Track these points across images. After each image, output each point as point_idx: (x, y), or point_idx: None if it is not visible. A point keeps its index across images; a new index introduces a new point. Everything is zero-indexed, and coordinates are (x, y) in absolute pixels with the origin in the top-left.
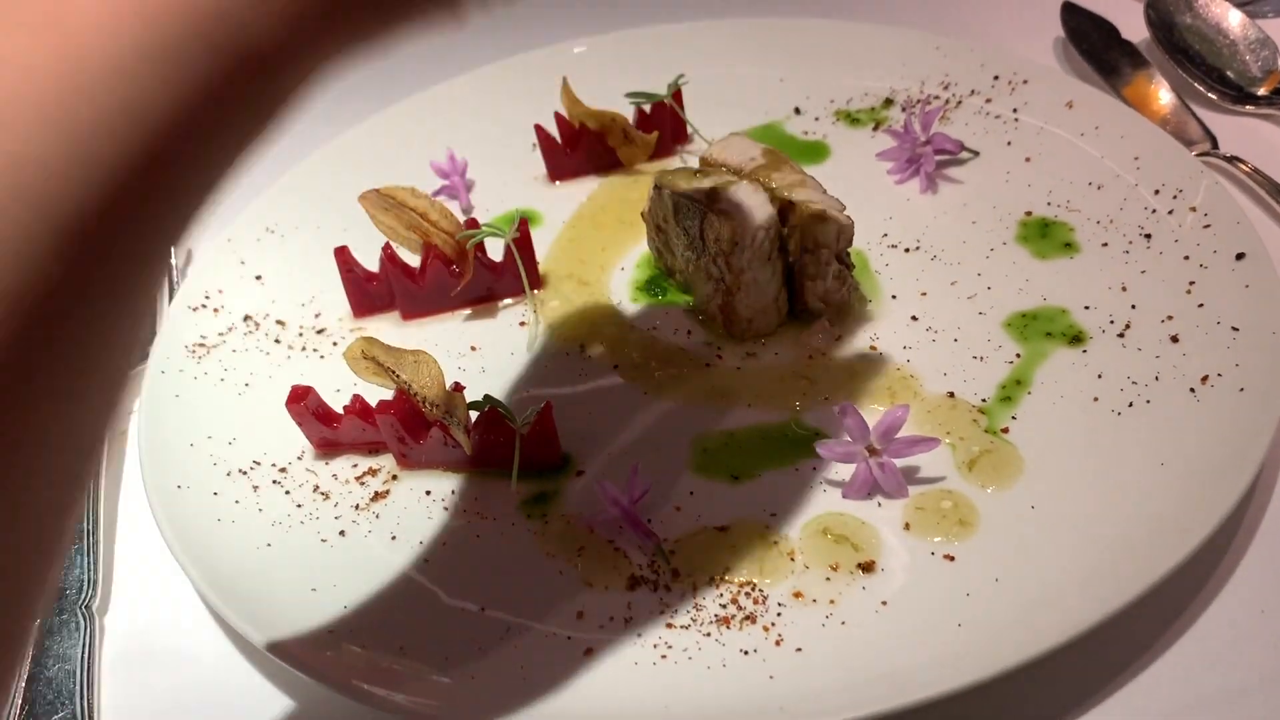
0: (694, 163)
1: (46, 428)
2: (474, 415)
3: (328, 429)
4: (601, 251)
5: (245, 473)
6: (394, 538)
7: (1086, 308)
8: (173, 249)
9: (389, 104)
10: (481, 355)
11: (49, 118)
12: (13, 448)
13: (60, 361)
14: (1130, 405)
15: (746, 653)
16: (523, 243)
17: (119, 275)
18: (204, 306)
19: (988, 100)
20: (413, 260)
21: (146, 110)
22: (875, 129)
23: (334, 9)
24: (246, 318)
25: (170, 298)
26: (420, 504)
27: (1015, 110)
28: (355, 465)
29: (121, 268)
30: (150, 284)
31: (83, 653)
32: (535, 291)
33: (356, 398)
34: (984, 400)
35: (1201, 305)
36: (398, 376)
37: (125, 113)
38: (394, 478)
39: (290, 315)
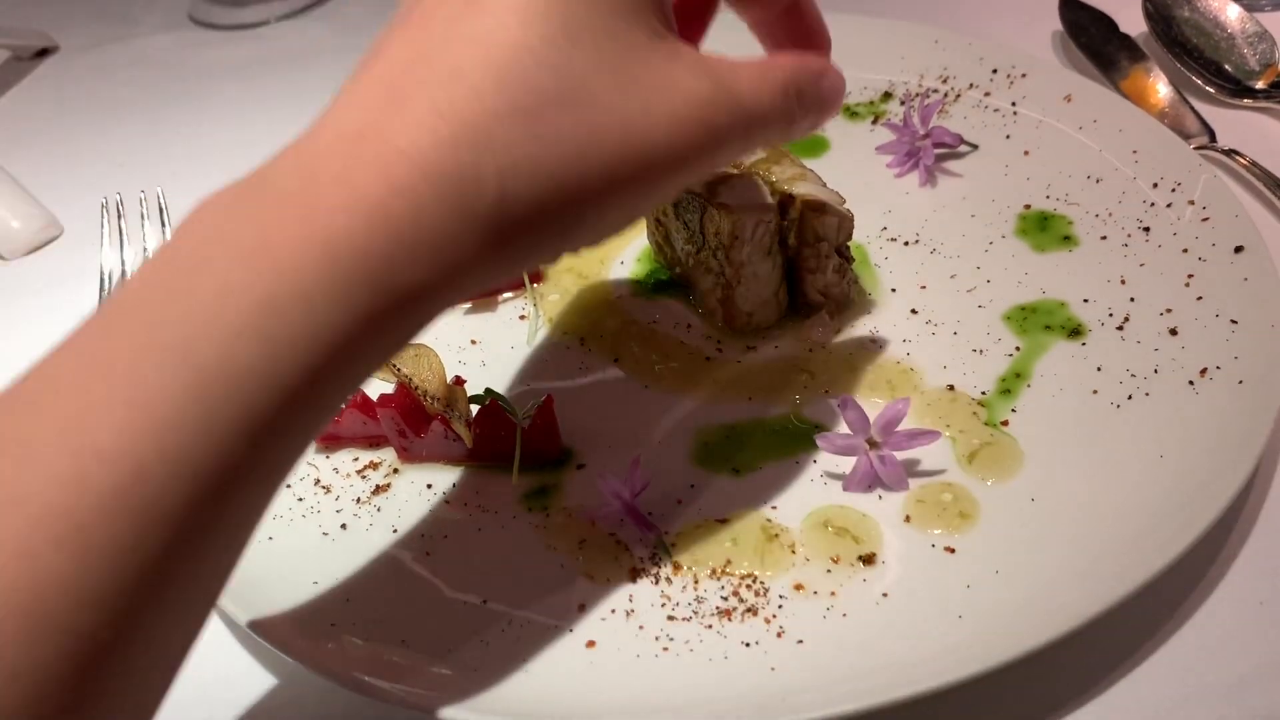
0: None
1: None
2: (475, 409)
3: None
4: (601, 245)
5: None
6: (395, 531)
7: (1085, 301)
8: None
9: None
10: (481, 349)
11: (251, 329)
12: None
13: (217, 530)
14: (1129, 398)
15: (748, 644)
16: None
17: (278, 467)
18: None
19: (986, 94)
20: None
21: (322, 334)
22: (874, 122)
23: (468, 264)
24: None
25: None
26: (421, 497)
27: (1014, 104)
28: (356, 459)
29: (280, 460)
30: (291, 471)
31: None
32: (535, 285)
33: (357, 390)
34: (984, 393)
35: (1200, 298)
36: (398, 370)
37: (307, 334)
38: (395, 471)
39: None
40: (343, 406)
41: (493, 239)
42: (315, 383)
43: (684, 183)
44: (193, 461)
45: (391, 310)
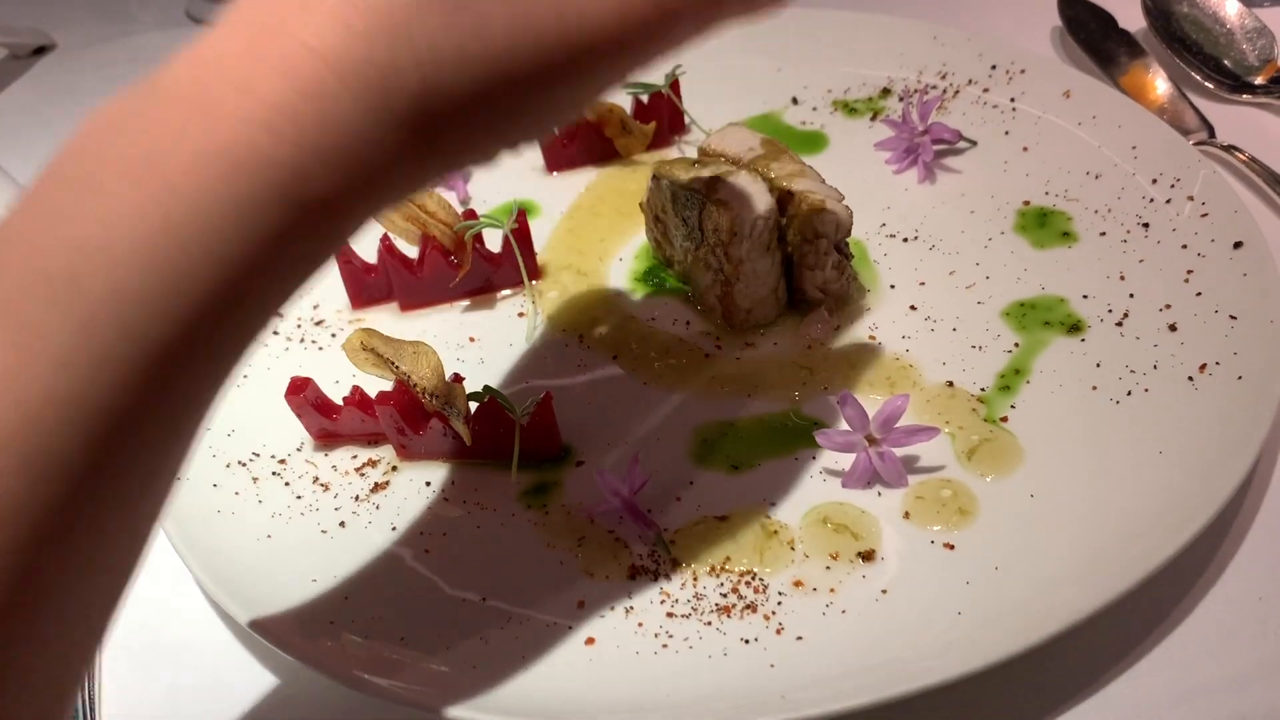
0: (691, 153)
1: (117, 526)
2: (473, 406)
3: (327, 420)
4: (599, 242)
5: (244, 464)
6: (394, 528)
7: (1085, 297)
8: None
9: None
10: (480, 346)
11: (144, 255)
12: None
13: (124, 475)
14: (1129, 394)
15: (747, 641)
16: (521, 234)
17: (187, 402)
18: None
19: (985, 90)
20: (410, 251)
21: (226, 255)
22: (873, 119)
23: (388, 169)
24: None
25: None
26: (420, 495)
27: (1013, 100)
28: (355, 456)
29: (190, 395)
30: (208, 408)
31: None
32: (534, 282)
33: (356, 389)
34: (983, 389)
35: (1200, 294)
36: (397, 368)
37: (208, 256)
38: (394, 469)
39: (288, 306)
40: (262, 331)
41: (415, 139)
42: (223, 310)
43: (632, 69)
44: (87, 404)
45: (305, 225)
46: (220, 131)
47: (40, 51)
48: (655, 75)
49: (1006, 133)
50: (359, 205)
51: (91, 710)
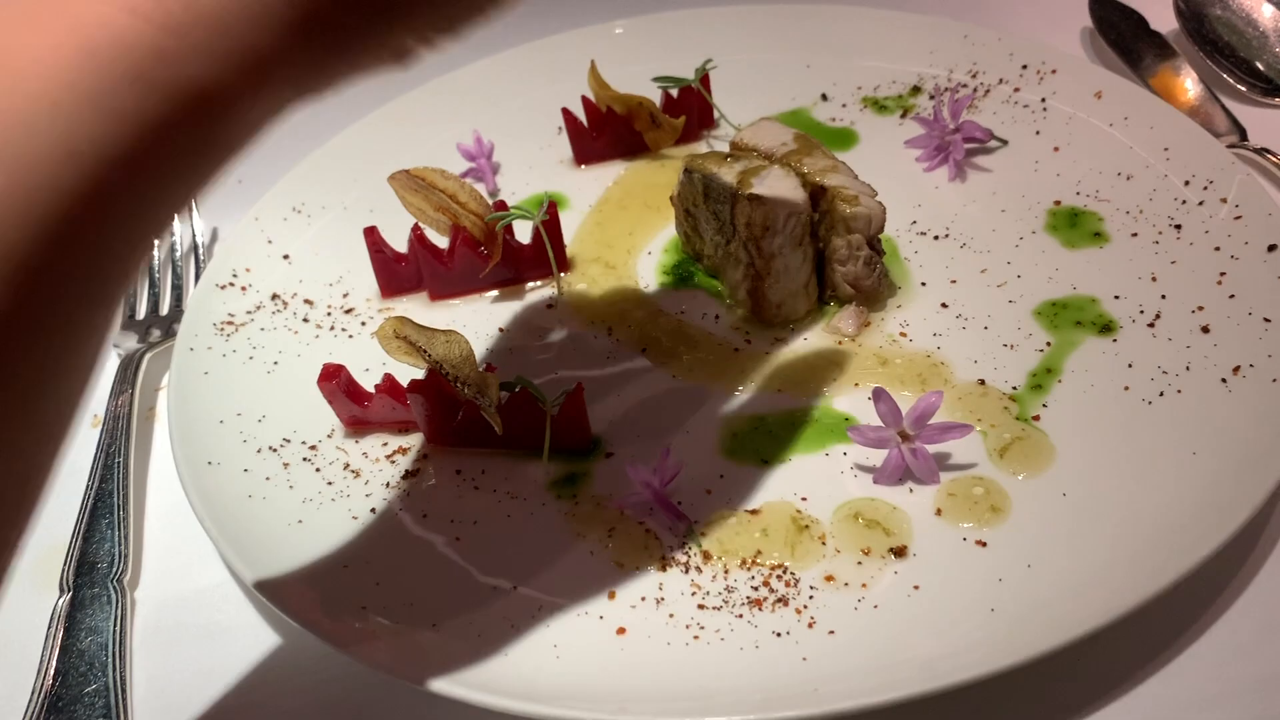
0: (720, 148)
1: None
2: (504, 395)
3: (358, 407)
4: (628, 235)
5: (275, 450)
6: (425, 515)
7: (1116, 297)
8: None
9: (416, 85)
10: (509, 337)
11: None
12: None
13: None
14: (1161, 395)
15: (779, 634)
16: (551, 225)
17: (63, 309)
18: (231, 284)
19: (1016, 89)
20: (441, 242)
21: (84, 146)
22: (903, 116)
23: (278, 57)
24: (274, 296)
25: (197, 275)
26: (450, 483)
27: (1043, 99)
28: (385, 444)
29: (65, 300)
30: (97, 316)
31: (114, 625)
32: (563, 274)
33: (387, 376)
34: (1015, 388)
35: (1233, 296)
36: (429, 356)
37: (64, 148)
38: (424, 457)
39: (318, 294)
40: (159, 232)
41: (297, 23)
42: (88, 209)
43: None
44: None
45: (178, 114)
46: (70, 11)
47: None
48: (686, 70)
49: (1037, 132)
50: (245, 96)
51: (122, 691)
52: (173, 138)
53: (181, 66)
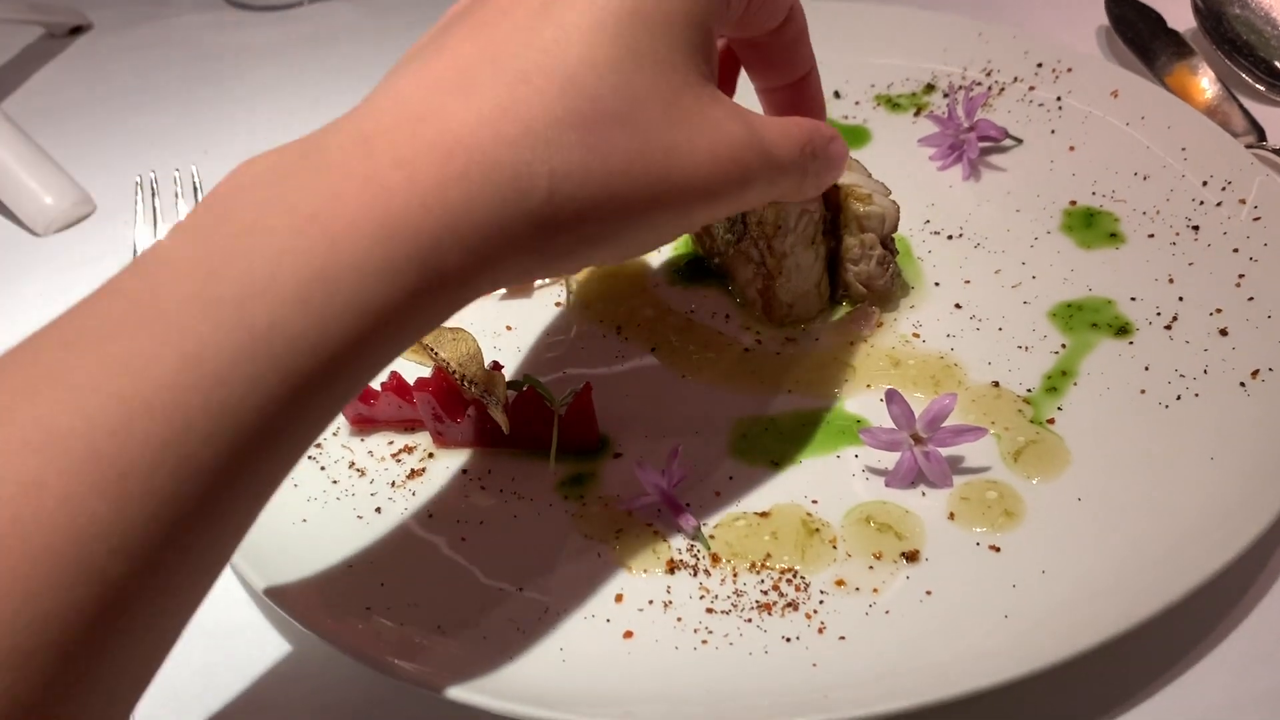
0: None
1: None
2: (511, 395)
3: (364, 405)
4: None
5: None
6: (430, 515)
7: (1133, 299)
8: None
9: None
10: (517, 335)
11: (302, 297)
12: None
13: (241, 496)
14: (1178, 398)
15: (789, 640)
16: None
17: (304, 436)
18: None
19: (1031, 88)
20: None
21: (368, 307)
22: (916, 114)
23: (506, 256)
24: None
25: None
26: (456, 482)
27: (1059, 98)
28: (391, 442)
29: (307, 430)
30: (310, 446)
31: None
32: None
33: (393, 374)
34: (1029, 390)
35: (1251, 299)
36: (436, 354)
37: (354, 306)
38: (430, 456)
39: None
40: (371, 381)
41: (535, 237)
42: (356, 353)
43: (711, 216)
44: (235, 420)
45: (433, 291)
46: (380, 198)
47: (77, 31)
48: None
49: (1053, 131)
50: (476, 281)
51: None
52: (422, 306)
53: (449, 256)
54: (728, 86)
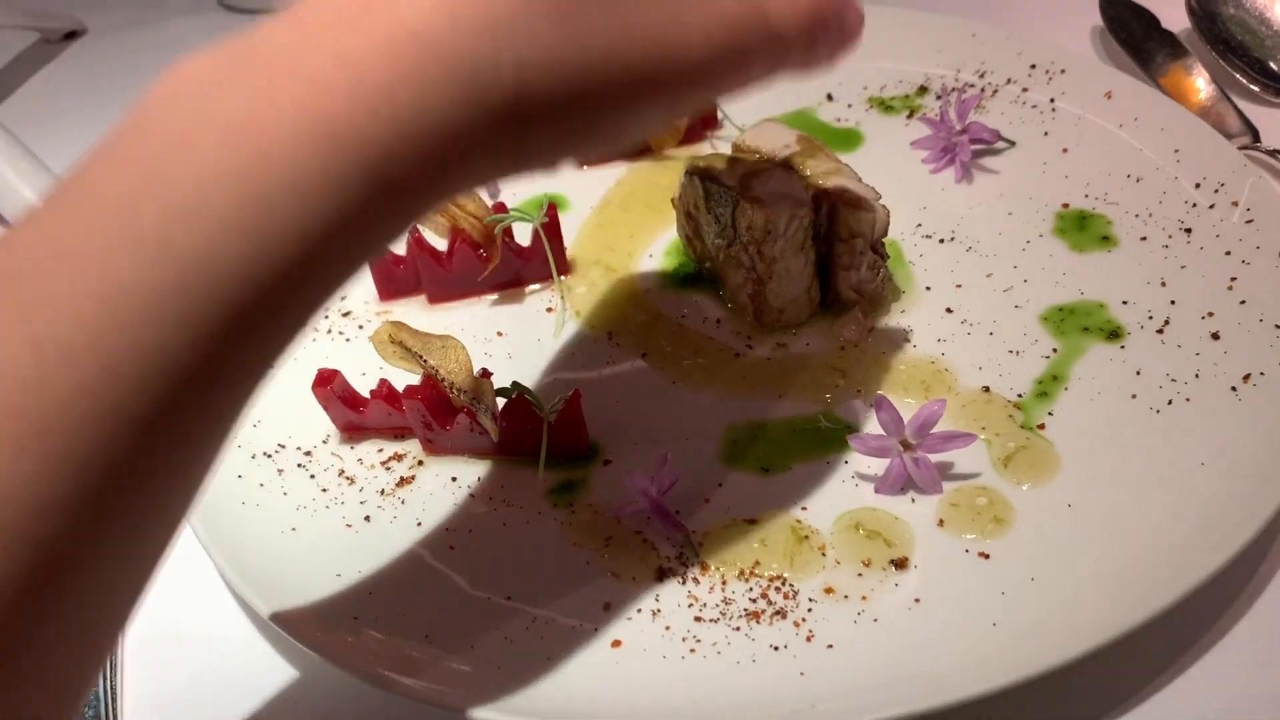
0: (724, 149)
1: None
2: (501, 402)
3: (354, 413)
4: (630, 238)
5: (270, 456)
6: (419, 524)
7: (1125, 303)
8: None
9: None
10: (508, 341)
11: (233, 223)
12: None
13: (182, 441)
14: (1170, 403)
15: (777, 648)
16: (551, 228)
17: (245, 374)
18: None
19: (1024, 89)
20: (439, 244)
21: (310, 229)
22: (909, 117)
23: (468, 159)
24: None
25: None
26: (446, 490)
27: (1052, 100)
28: (381, 450)
29: (249, 366)
30: (258, 384)
31: None
32: (563, 277)
33: (383, 382)
34: (1020, 395)
35: (1244, 302)
36: (425, 362)
37: (293, 229)
38: (420, 463)
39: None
40: (322, 307)
41: (501, 136)
42: (302, 279)
43: (704, 99)
44: (166, 361)
45: (387, 204)
46: (321, 105)
47: (71, 36)
48: None
49: (1046, 133)
50: (435, 190)
51: (113, 700)
52: (372, 223)
53: (400, 166)
54: None
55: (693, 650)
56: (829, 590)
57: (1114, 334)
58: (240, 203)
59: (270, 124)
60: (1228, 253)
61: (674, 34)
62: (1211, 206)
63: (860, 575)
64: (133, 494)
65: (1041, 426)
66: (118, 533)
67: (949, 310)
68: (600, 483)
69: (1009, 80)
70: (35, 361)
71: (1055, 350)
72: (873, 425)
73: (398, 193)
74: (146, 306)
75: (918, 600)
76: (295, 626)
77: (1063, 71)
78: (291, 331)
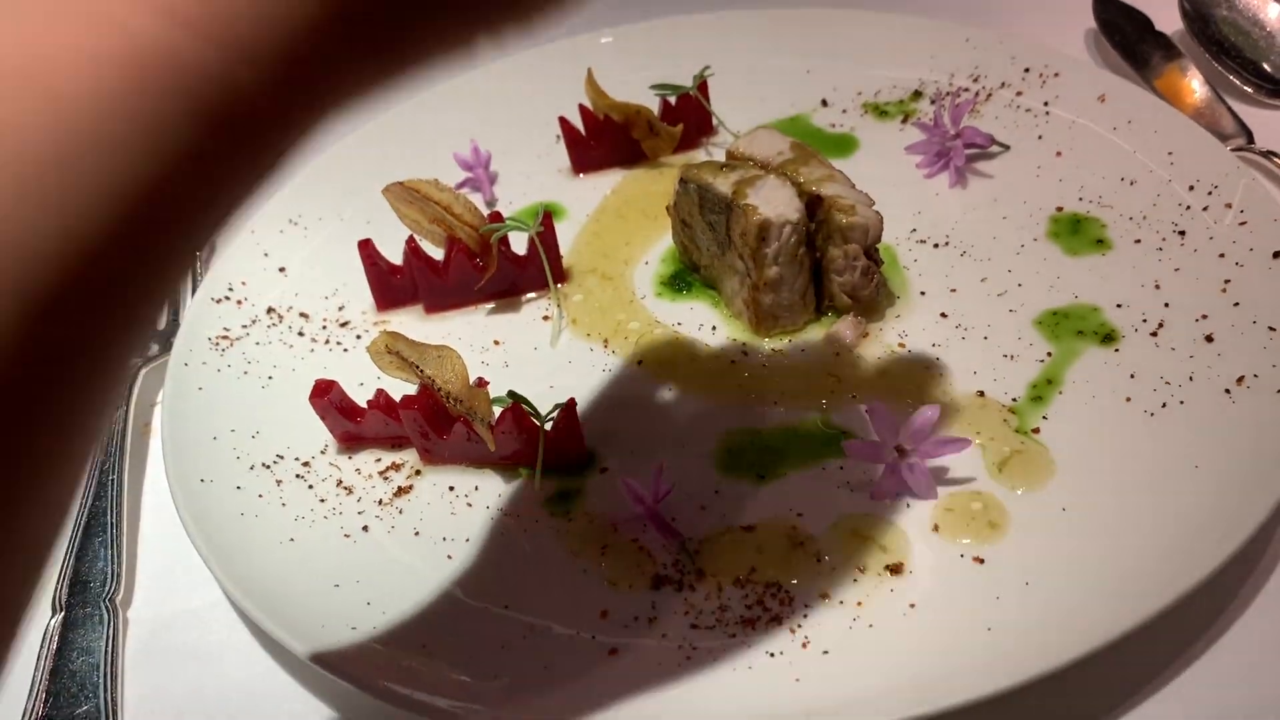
0: (720, 155)
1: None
2: (497, 411)
3: (351, 423)
4: (625, 245)
5: (269, 466)
6: (417, 534)
7: (1119, 306)
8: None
9: (412, 95)
10: (505, 349)
11: (28, 190)
12: None
13: (23, 446)
14: (1164, 406)
15: (773, 654)
16: (547, 236)
17: (98, 346)
18: (227, 298)
19: (1018, 93)
20: (436, 253)
21: (133, 179)
22: (904, 122)
23: (333, 60)
24: (270, 310)
25: (193, 290)
26: (443, 500)
27: (1046, 104)
28: (379, 460)
29: (98, 341)
30: (129, 345)
31: (106, 645)
32: (559, 285)
33: (380, 392)
34: (1014, 400)
35: (1237, 304)
36: (421, 371)
37: (110, 184)
38: (417, 473)
39: (314, 308)
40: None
41: (341, 14)
42: (124, 254)
43: None
44: None
45: (226, 140)
46: (110, 12)
47: None
48: (684, 77)
49: (1040, 137)
50: (292, 110)
51: (114, 712)
52: (221, 159)
53: (232, 87)
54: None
55: (689, 657)
56: (824, 596)
57: (1108, 337)
58: (39, 170)
59: (64, 76)
60: (1221, 255)
61: None
62: (1205, 209)
63: (855, 581)
64: None
65: (1036, 431)
66: None
67: (943, 315)
68: (597, 491)
69: (1003, 84)
70: None
71: (1050, 354)
72: (867, 431)
73: (245, 118)
74: None
75: (913, 605)
76: (294, 637)
77: (1056, 75)
78: (167, 282)
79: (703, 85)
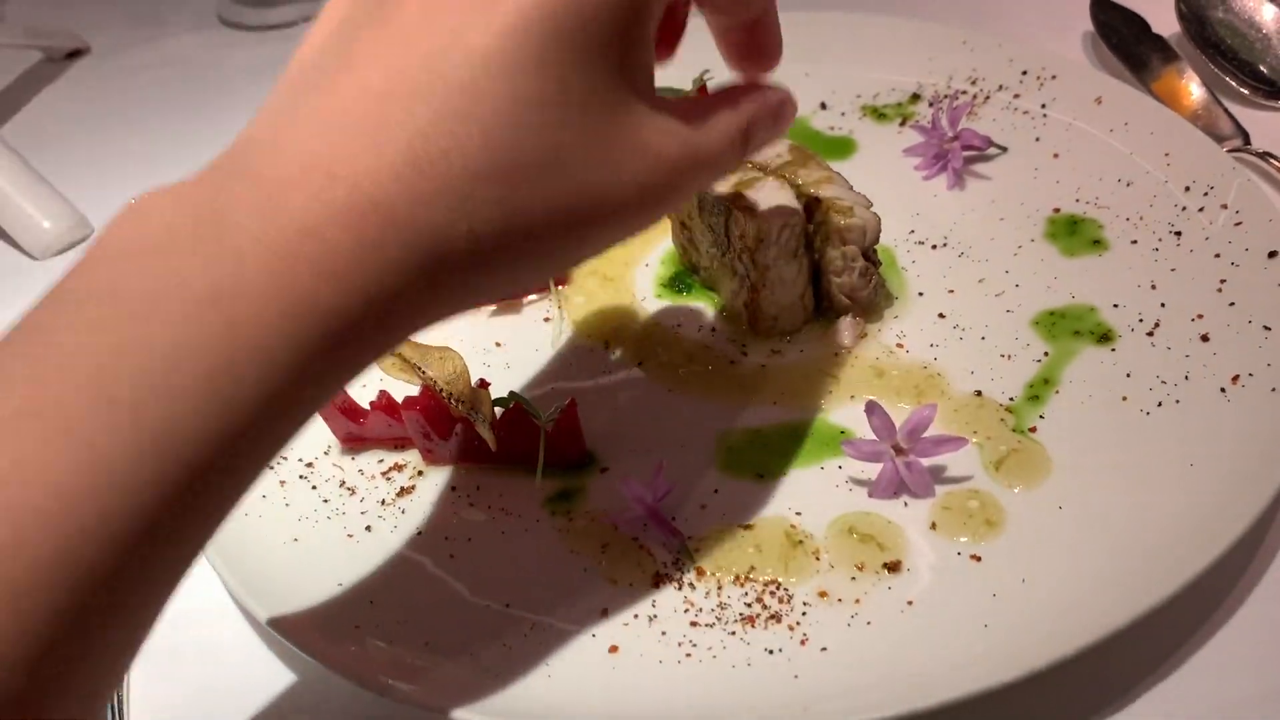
0: None
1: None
2: (498, 411)
3: (354, 424)
4: (625, 248)
5: (272, 467)
6: (419, 533)
7: (1115, 306)
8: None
9: None
10: (506, 351)
11: (204, 391)
12: None
13: (141, 591)
14: (1159, 405)
15: (771, 652)
16: None
17: (205, 524)
18: None
19: (1016, 95)
20: None
21: (275, 390)
22: (902, 124)
23: (416, 314)
24: None
25: None
26: (445, 500)
27: (1044, 106)
28: (381, 460)
29: (209, 516)
30: (216, 529)
31: None
32: (560, 288)
33: (382, 393)
34: (1011, 399)
35: (1233, 304)
36: (424, 373)
37: (260, 392)
38: (419, 473)
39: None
40: (276, 456)
41: (454, 287)
42: (259, 435)
43: (639, 231)
44: (134, 523)
45: (343, 359)
46: (286, 274)
47: (74, 55)
48: (682, 80)
49: (1037, 139)
50: (386, 344)
51: (119, 712)
52: (330, 379)
53: (360, 330)
54: (669, 42)
55: (689, 655)
56: (823, 594)
57: (1105, 337)
58: (209, 371)
59: (238, 295)
60: (1217, 255)
61: (611, 191)
62: (1201, 209)
63: (854, 579)
64: (94, 643)
65: (1033, 430)
66: (78, 679)
67: (941, 315)
68: (597, 491)
69: (1000, 87)
70: (9, 524)
71: (1046, 354)
72: (866, 430)
73: (355, 349)
74: (118, 472)
75: (910, 603)
76: (298, 635)
77: (1054, 77)
78: (249, 480)
79: (702, 89)
